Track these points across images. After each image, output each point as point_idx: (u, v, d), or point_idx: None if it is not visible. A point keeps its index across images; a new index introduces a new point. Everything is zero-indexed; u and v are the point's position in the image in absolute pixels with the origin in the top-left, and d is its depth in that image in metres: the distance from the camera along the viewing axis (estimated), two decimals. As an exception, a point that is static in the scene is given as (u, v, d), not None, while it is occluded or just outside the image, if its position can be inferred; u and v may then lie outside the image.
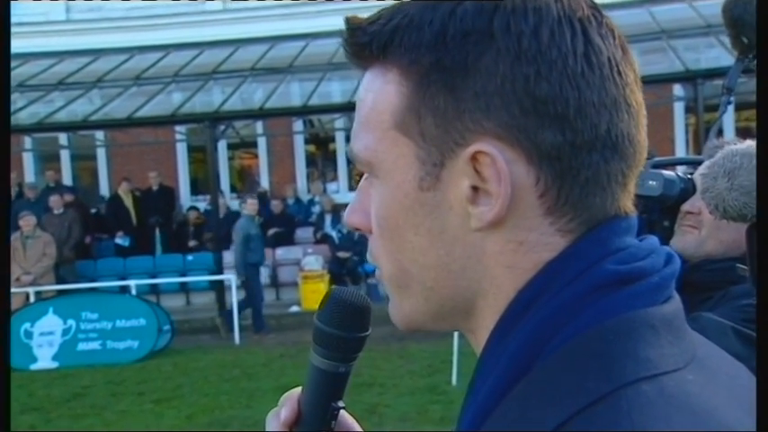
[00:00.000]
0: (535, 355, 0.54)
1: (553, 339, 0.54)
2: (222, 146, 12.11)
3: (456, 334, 6.56)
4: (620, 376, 0.51)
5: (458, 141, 0.56)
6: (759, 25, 0.57)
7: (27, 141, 12.68)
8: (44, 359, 8.77)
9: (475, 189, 0.56)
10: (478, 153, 0.56)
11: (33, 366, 8.69)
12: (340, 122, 12.92)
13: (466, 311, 0.60)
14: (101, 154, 13.27)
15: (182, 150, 13.27)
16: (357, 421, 0.83)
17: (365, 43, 0.60)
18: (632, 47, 0.60)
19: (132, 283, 10.08)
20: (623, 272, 0.55)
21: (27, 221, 9.74)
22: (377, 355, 8.33)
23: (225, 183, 12.94)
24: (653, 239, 0.61)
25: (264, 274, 11.78)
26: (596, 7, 0.58)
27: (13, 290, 9.81)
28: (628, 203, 0.59)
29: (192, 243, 11.93)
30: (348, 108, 11.41)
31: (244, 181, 14.03)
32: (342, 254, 11.25)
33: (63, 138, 12.71)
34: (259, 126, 12.91)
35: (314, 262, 11.15)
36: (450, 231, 0.58)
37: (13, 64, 12.22)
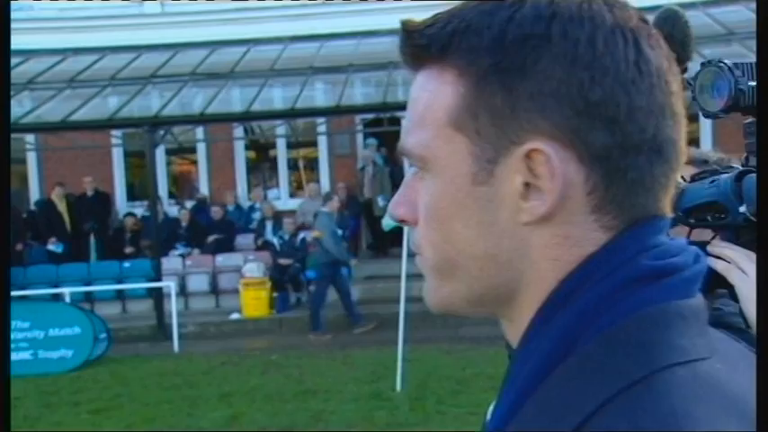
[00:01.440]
0: (575, 341, 0.58)
1: (592, 326, 0.58)
2: (160, 151, 11.90)
3: (400, 341, 6.61)
4: (657, 361, 0.55)
5: (513, 139, 0.60)
6: (759, 25, 0.61)
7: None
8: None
9: (527, 185, 0.60)
10: (533, 151, 0.59)
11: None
12: (281, 129, 12.86)
13: (508, 300, 0.63)
14: (31, 158, 12.86)
15: (118, 155, 12.98)
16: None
17: (423, 45, 0.63)
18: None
19: (66, 290, 9.79)
20: (658, 266, 0.60)
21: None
22: (321, 362, 8.31)
23: (163, 188, 12.71)
24: (682, 239, 0.66)
25: (204, 282, 11.62)
26: (645, 19, 0.63)
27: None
28: (666, 205, 0.63)
29: (128, 249, 11.68)
30: (289, 115, 11.39)
31: (182, 187, 13.81)
32: (283, 261, 11.17)
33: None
34: (199, 132, 12.74)
35: (255, 269, 11.04)
36: (499, 224, 0.61)
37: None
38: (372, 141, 12.51)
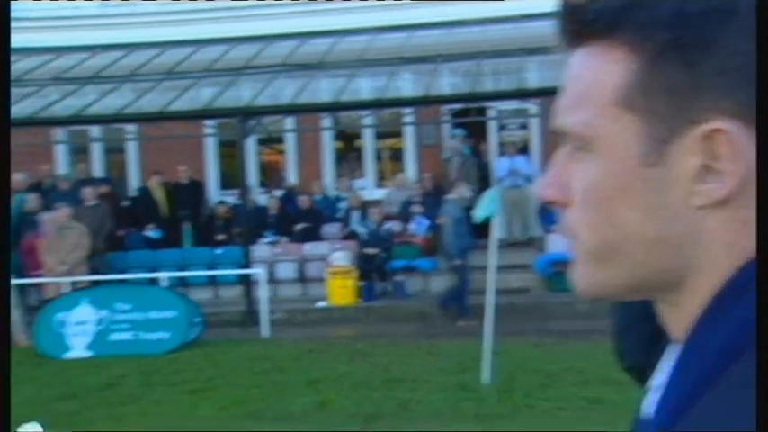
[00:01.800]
0: (751, 337, 0.54)
1: None
2: (251, 141, 12.20)
3: (487, 333, 6.60)
4: None
5: (692, 118, 0.57)
6: (759, 25, 0.58)
7: (59, 134, 12.86)
8: (78, 348, 8.91)
9: (703, 167, 0.57)
10: (715, 131, 0.56)
11: (66, 355, 8.83)
12: (368, 119, 12.98)
13: (674, 285, 0.60)
14: (131, 147, 13.41)
15: (211, 145, 13.39)
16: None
17: (589, 21, 0.60)
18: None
19: (163, 275, 10.20)
20: None
21: (62, 212, 9.88)
22: (406, 352, 8.38)
23: (253, 178, 13.03)
24: None
25: (291, 269, 11.88)
26: None
27: (47, 279, 9.98)
28: None
29: (220, 237, 12.04)
30: (377, 105, 11.48)
31: (270, 176, 14.12)
32: (369, 250, 11.31)
33: (95, 130, 12.86)
34: (288, 122, 13.00)
35: (342, 258, 11.21)
36: (670, 208, 0.58)
37: (47, 57, 12.40)
38: (459, 132, 12.48)
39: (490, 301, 6.71)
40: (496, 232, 7.00)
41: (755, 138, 0.56)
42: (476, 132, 12.75)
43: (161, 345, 8.82)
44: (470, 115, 11.43)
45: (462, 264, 9.88)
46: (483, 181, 11.82)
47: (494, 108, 12.45)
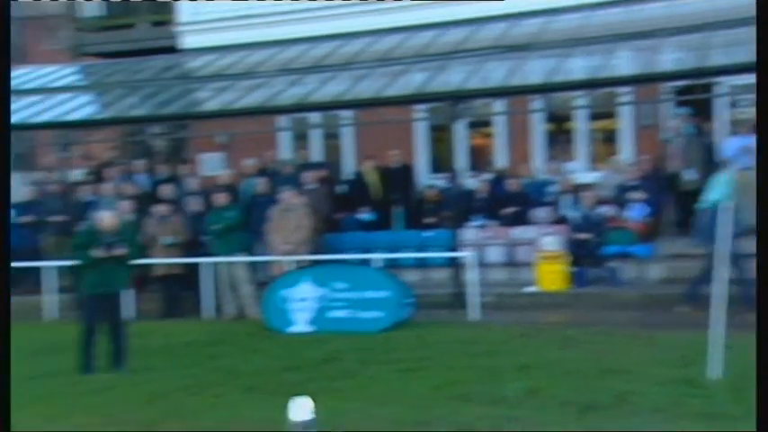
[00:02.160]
0: None
1: None
2: (461, 125, 12.24)
3: (719, 325, 6.12)
4: None
5: None
6: (759, 25, 0.45)
7: (283, 121, 13.73)
8: (300, 323, 9.50)
9: None
10: None
11: (290, 329, 9.45)
12: (581, 100, 12.53)
13: None
14: (347, 133, 14.01)
15: (422, 129, 13.63)
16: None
17: None
18: None
19: (376, 256, 10.58)
20: None
21: (287, 195, 10.56)
22: (620, 341, 8.04)
23: (462, 161, 13.08)
24: None
25: (500, 253, 11.80)
26: None
27: (273, 258, 10.73)
28: None
29: (429, 220, 12.23)
30: (591, 85, 11.03)
31: (479, 159, 14.10)
32: (581, 235, 10.95)
33: (314, 117, 13.58)
34: (497, 104, 12.89)
35: (552, 242, 10.96)
36: None
37: (274, 51, 13.27)
38: (684, 111, 11.66)
39: (722, 291, 6.23)
40: (731, 217, 6.48)
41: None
42: (701, 111, 11.85)
43: (375, 323, 9.15)
44: (695, 92, 10.63)
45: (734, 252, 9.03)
46: (709, 163, 10.98)
47: (723, 84, 11.48)
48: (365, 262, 10.81)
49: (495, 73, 11.26)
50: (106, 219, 7.77)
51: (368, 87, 11.54)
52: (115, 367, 7.65)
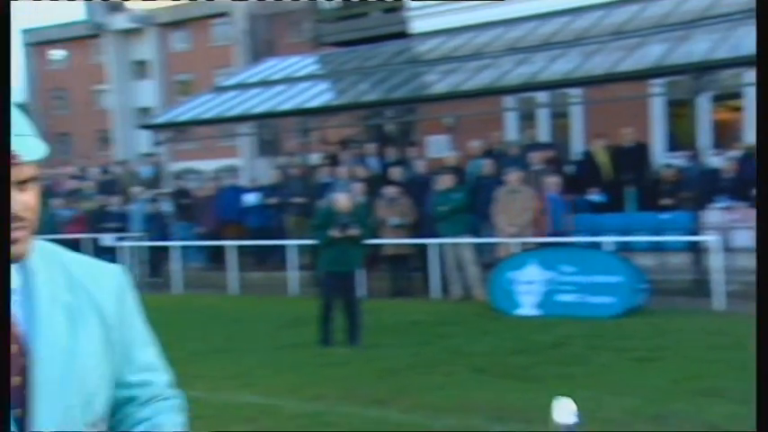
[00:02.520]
0: None
1: None
2: (704, 98, 11.30)
3: None
4: None
5: None
6: (759, 25, 0.31)
7: (509, 101, 13.56)
8: (527, 306, 9.38)
9: None
10: None
11: (517, 312, 9.36)
12: None
13: None
14: (576, 111, 13.53)
15: (658, 105, 12.79)
16: None
17: None
18: None
19: (606, 239, 10.13)
20: None
21: (513, 176, 10.44)
22: None
23: (705, 138, 12.09)
24: None
25: (748, 237, 10.76)
26: None
27: (498, 240, 10.68)
28: None
29: (666, 201, 11.46)
30: None
31: (725, 136, 12.95)
32: None
33: (542, 96, 13.27)
34: (748, 75, 11.71)
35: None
36: None
37: (502, 30, 13.12)
38: None
39: None
40: None
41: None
42: None
43: (606, 309, 8.78)
44: None
45: None
46: None
47: None
48: (595, 245, 10.39)
49: (748, 39, 10.22)
50: (341, 200, 8.16)
51: (600, 63, 11.04)
52: (350, 342, 8.04)
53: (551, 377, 6.35)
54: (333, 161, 14.34)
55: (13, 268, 1.28)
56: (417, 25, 14.87)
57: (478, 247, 11.19)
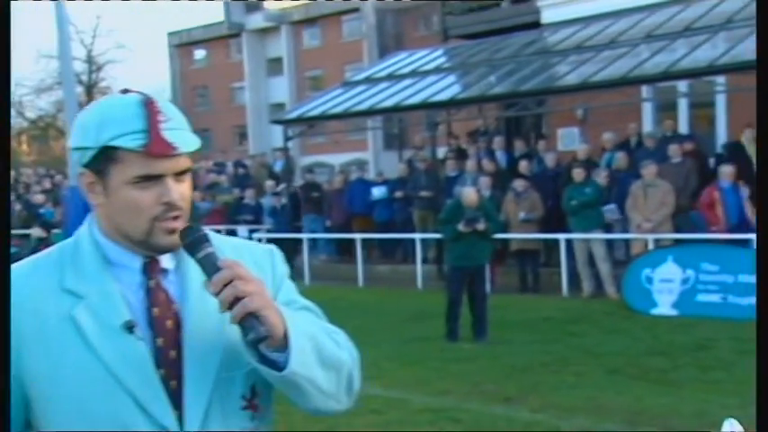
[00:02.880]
0: None
1: None
2: None
3: None
4: None
5: None
6: (759, 25, 0.31)
7: (646, 91, 12.94)
8: (663, 305, 8.92)
9: None
10: None
11: (653, 311, 8.93)
12: None
13: None
14: (720, 100, 12.73)
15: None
16: None
17: None
18: None
19: (753, 236, 9.45)
20: None
21: (649, 170, 9.95)
22: None
23: None
24: None
25: None
26: None
27: (633, 236, 10.23)
28: None
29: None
30: None
31: None
32: None
33: (682, 86, 12.58)
34: None
35: None
36: None
37: (639, 17, 12.54)
38: None
39: None
40: None
41: None
42: None
43: (753, 311, 8.17)
44: None
45: None
46: None
47: None
48: (739, 243, 9.73)
49: None
50: (468, 194, 8.05)
51: (747, 48, 10.31)
52: (477, 338, 7.95)
53: (693, 382, 5.99)
54: (460, 154, 14.23)
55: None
56: (549, 15, 14.48)
57: (610, 243, 10.76)
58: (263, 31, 39.08)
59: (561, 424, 5.26)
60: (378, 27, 34.03)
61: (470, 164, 12.79)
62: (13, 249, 8.88)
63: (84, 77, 40.36)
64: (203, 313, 1.33)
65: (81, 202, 14.35)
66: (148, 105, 1.29)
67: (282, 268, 1.49)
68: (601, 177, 10.98)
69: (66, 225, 11.85)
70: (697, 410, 5.29)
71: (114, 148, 1.27)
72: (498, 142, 14.02)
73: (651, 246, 9.71)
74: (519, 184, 11.45)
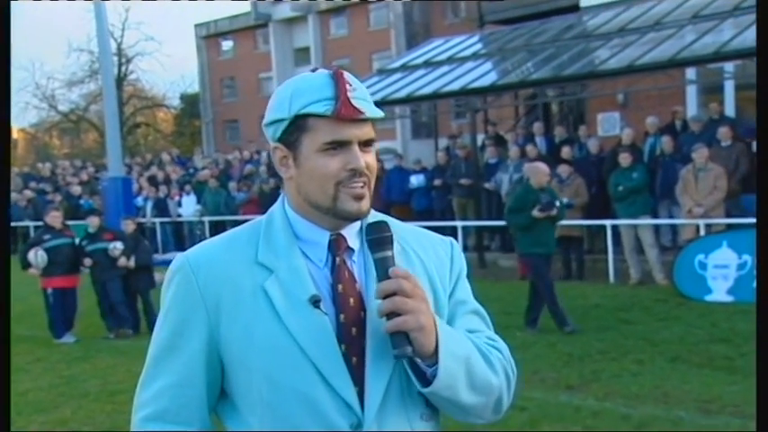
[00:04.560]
0: None
1: None
2: None
3: None
4: None
5: None
6: (759, 25, 0.32)
7: (691, 73, 12.69)
8: (718, 292, 8.75)
9: None
10: None
11: (708, 298, 8.76)
12: None
13: None
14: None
15: None
16: None
17: None
18: None
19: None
20: None
21: (700, 153, 9.74)
22: None
23: None
24: None
25: None
26: None
27: (684, 221, 10.04)
28: None
29: None
30: None
31: None
32: None
33: (728, 67, 12.31)
34: None
35: None
36: None
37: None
38: None
39: None
40: None
41: None
42: None
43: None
44: None
45: None
46: None
47: None
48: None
49: None
50: (540, 174, 7.61)
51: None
52: (529, 326, 7.80)
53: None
54: (498, 141, 14.08)
55: (352, 232, 1.40)
56: (588, -2, 14.25)
57: (656, 229, 10.57)
58: (290, 21, 39.04)
59: (630, 412, 5.15)
60: (405, 15, 33.82)
61: (513, 150, 12.65)
62: (67, 240, 8.95)
63: (114, 70, 40.66)
64: (378, 313, 1.33)
65: (119, 191, 14.46)
66: (337, 76, 1.35)
67: (460, 263, 1.50)
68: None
69: (105, 215, 11.93)
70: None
71: (305, 117, 1.33)
72: (538, 128, 13.85)
73: (703, 231, 9.51)
74: (563, 169, 11.28)
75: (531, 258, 7.89)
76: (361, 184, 1.34)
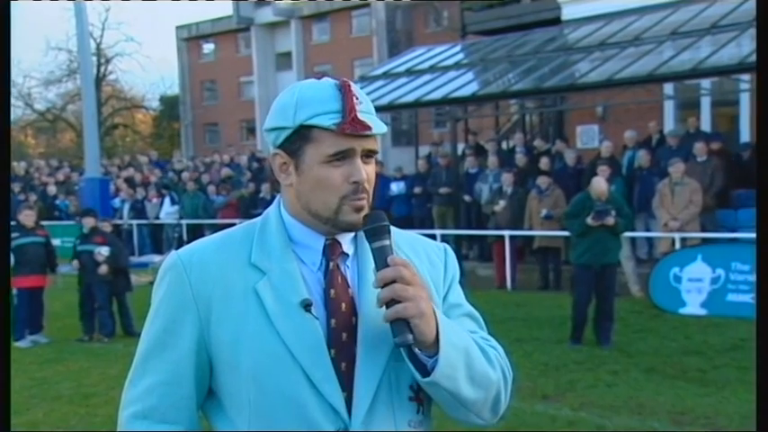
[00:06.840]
0: None
1: None
2: None
3: None
4: None
5: None
6: (759, 25, 0.32)
7: (669, 88, 12.86)
8: (692, 305, 8.86)
9: None
10: None
11: (682, 310, 8.86)
12: None
13: None
14: (743, 99, 12.65)
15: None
16: None
17: None
18: None
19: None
20: None
21: (677, 168, 9.87)
22: None
23: None
24: None
25: None
26: None
27: (660, 234, 10.16)
28: None
29: None
30: None
31: None
32: None
33: (706, 84, 12.49)
34: None
35: None
36: None
37: (664, 14, 12.46)
38: None
39: None
40: None
41: None
42: None
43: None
44: None
45: None
46: None
47: None
48: None
49: None
50: (599, 185, 7.40)
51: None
52: (602, 343, 7.36)
53: (733, 382, 5.94)
54: (479, 151, 14.15)
55: (347, 238, 1.41)
56: (570, 11, 14.39)
57: (632, 241, 10.68)
58: (273, 26, 38.99)
59: (605, 422, 5.20)
60: (387, 23, 33.94)
61: (493, 160, 12.71)
62: (37, 239, 8.80)
63: (93, 70, 40.30)
64: (375, 301, 1.34)
65: (96, 192, 14.34)
66: (344, 88, 1.34)
67: (454, 268, 1.51)
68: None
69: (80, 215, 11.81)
70: (742, 411, 5.24)
71: (310, 128, 1.33)
72: (518, 139, 13.93)
73: (678, 245, 9.63)
74: (543, 181, 11.37)
75: (574, 267, 7.71)
76: (363, 197, 1.35)
